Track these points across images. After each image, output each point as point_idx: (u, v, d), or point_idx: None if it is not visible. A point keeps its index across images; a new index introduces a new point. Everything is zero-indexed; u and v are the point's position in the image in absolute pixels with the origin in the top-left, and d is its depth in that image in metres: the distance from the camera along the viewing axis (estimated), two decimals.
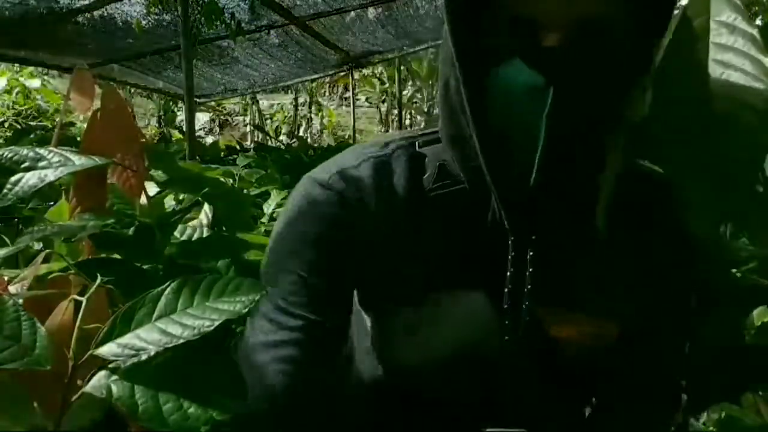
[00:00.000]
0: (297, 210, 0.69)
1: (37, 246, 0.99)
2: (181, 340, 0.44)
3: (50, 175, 0.62)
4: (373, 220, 0.67)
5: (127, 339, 0.46)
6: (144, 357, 0.45)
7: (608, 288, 0.68)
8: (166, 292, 0.48)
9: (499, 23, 0.56)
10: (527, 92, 0.55)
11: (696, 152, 0.57)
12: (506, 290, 0.66)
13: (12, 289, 0.70)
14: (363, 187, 0.67)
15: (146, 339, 0.45)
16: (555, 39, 0.54)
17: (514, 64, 0.55)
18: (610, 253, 0.67)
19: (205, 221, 1.17)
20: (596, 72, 0.55)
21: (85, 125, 0.88)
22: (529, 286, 0.66)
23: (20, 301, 0.54)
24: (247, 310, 0.45)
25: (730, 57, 0.56)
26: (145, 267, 0.93)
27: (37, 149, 0.65)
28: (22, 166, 0.62)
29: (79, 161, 0.66)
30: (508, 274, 0.66)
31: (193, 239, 1.03)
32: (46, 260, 0.88)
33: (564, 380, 0.75)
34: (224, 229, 1.15)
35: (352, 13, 5.29)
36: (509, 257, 0.66)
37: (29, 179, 0.61)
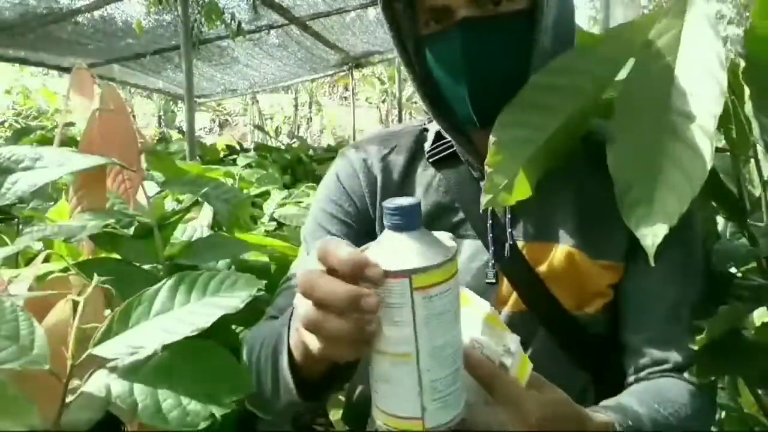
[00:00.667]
0: (327, 173, 0.90)
1: (37, 246, 0.99)
2: (179, 337, 0.44)
3: (49, 175, 0.62)
4: (376, 178, 0.83)
5: (125, 337, 0.45)
6: (143, 355, 0.45)
7: (583, 220, 0.76)
8: (162, 290, 0.48)
9: (423, 10, 0.73)
10: (451, 58, 0.71)
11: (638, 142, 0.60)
12: (489, 224, 0.77)
13: (12, 289, 0.70)
14: (369, 154, 0.85)
15: (144, 337, 0.45)
16: (461, 14, 0.70)
17: (439, 38, 0.72)
18: (579, 188, 0.77)
19: (205, 221, 1.17)
20: (497, 31, 0.70)
21: (84, 125, 0.87)
22: (508, 216, 0.77)
23: (20, 301, 0.54)
24: (243, 305, 0.44)
25: (693, 71, 0.57)
26: (145, 267, 0.93)
27: (36, 149, 0.65)
28: (21, 165, 0.62)
29: (77, 161, 0.66)
30: (489, 210, 0.77)
31: (193, 239, 1.03)
32: (46, 260, 0.88)
33: (568, 343, 0.76)
34: (224, 229, 1.15)
35: (352, 13, 5.29)
36: None
37: (28, 179, 0.61)
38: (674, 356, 0.74)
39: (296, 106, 12.58)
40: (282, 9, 4.81)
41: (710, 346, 0.70)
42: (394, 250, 0.48)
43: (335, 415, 1.13)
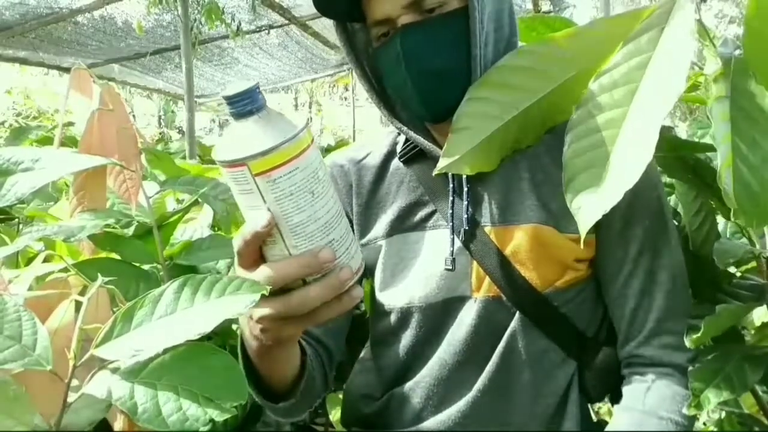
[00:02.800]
0: None
1: (38, 246, 0.99)
2: (181, 340, 0.44)
3: (48, 175, 0.62)
4: (351, 181, 0.90)
5: (127, 339, 0.45)
6: (144, 357, 0.45)
7: (547, 198, 0.79)
8: (167, 292, 0.48)
9: (371, 25, 0.80)
10: (396, 62, 0.76)
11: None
12: (449, 213, 0.81)
13: (13, 289, 0.70)
14: (346, 160, 0.92)
15: (146, 339, 0.45)
16: (401, 22, 0.76)
17: (385, 47, 0.78)
18: (541, 169, 0.81)
19: (205, 221, 1.17)
20: (434, 32, 0.75)
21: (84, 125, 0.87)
22: (465, 203, 0.81)
23: (21, 301, 0.54)
24: (247, 309, 0.44)
25: (663, 70, 0.58)
26: (145, 267, 0.92)
27: (36, 150, 0.65)
28: (21, 167, 0.62)
29: (77, 162, 0.66)
30: (450, 199, 0.81)
31: (193, 239, 1.03)
32: (46, 260, 0.88)
33: (545, 326, 0.78)
34: (216, 229, 1.15)
35: None
36: (451, 186, 0.82)
37: (27, 180, 0.61)
38: (652, 327, 0.77)
39: (296, 106, 12.57)
40: (282, 9, 4.81)
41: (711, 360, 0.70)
42: (233, 139, 0.49)
43: (335, 415, 1.13)
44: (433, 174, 0.71)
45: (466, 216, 0.80)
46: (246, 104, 0.48)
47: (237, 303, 0.45)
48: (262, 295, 0.49)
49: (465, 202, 0.81)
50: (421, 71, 0.76)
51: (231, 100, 0.48)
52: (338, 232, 0.51)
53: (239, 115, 0.48)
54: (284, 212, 0.49)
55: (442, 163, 0.69)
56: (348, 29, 0.86)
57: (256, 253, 0.52)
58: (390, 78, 0.81)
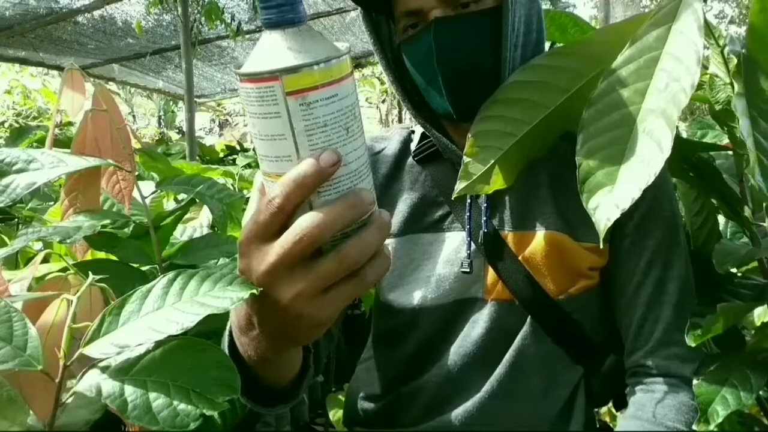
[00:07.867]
0: None
1: (38, 246, 0.99)
2: (165, 336, 0.43)
3: (42, 177, 0.61)
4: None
5: (113, 336, 0.45)
6: (133, 354, 0.45)
7: (564, 205, 0.78)
8: (156, 287, 0.47)
9: (399, 16, 0.77)
10: (426, 56, 0.74)
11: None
12: (467, 216, 0.80)
13: (12, 289, 0.70)
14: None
15: (131, 336, 0.44)
16: (433, 15, 0.74)
17: (414, 40, 0.76)
18: (558, 175, 0.79)
19: (204, 221, 1.16)
20: (467, 29, 0.74)
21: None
22: (484, 205, 0.80)
23: (20, 302, 0.54)
24: (233, 306, 0.43)
25: (672, 69, 0.57)
26: (143, 268, 0.92)
27: (30, 151, 0.65)
28: (14, 168, 0.61)
29: (71, 163, 0.65)
30: (468, 202, 0.80)
31: (193, 239, 1.02)
32: (45, 260, 0.88)
33: (556, 333, 0.78)
34: (216, 229, 1.14)
35: (353, 13, 5.28)
36: None
37: (21, 181, 0.61)
38: (661, 337, 0.77)
39: None
40: None
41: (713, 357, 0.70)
42: (265, 51, 0.40)
43: (335, 415, 1.12)
44: (453, 198, 0.70)
45: (485, 219, 0.80)
46: (286, 11, 0.40)
47: (224, 299, 0.44)
48: (286, 271, 0.40)
49: (484, 206, 0.80)
50: (452, 67, 0.74)
51: (268, 4, 0.40)
52: (367, 183, 0.43)
53: (276, 24, 0.40)
54: (312, 147, 0.39)
55: (460, 185, 0.69)
56: (373, 17, 0.82)
57: (287, 216, 0.41)
58: (417, 72, 0.78)
